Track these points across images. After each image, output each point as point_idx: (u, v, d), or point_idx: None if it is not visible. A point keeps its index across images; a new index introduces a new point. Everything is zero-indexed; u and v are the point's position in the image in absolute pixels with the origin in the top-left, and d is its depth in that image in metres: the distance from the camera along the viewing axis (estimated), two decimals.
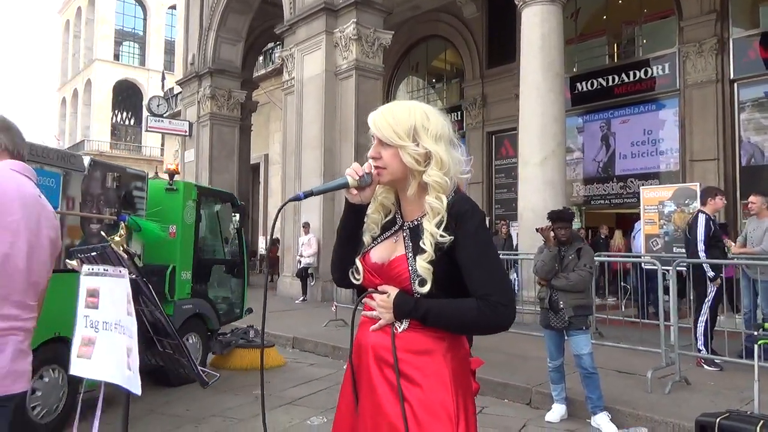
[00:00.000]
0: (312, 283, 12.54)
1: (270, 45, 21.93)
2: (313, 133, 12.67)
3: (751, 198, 6.77)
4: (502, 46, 16.04)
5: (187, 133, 18.17)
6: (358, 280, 1.71)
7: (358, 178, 1.62)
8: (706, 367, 5.97)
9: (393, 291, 1.61)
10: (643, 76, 13.58)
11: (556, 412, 4.83)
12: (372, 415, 1.63)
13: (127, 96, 48.36)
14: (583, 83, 14.49)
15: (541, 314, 4.75)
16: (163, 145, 37.05)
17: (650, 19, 13.80)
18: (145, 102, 46.15)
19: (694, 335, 6.06)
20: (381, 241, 1.71)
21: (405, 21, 17.40)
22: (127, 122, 50.00)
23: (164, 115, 18.67)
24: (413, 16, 17.62)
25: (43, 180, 4.10)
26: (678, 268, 5.77)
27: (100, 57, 45.78)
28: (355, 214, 1.71)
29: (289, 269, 13.49)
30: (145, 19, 49.19)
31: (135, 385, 1.61)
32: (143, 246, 5.38)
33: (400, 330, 1.61)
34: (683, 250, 7.03)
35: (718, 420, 2.85)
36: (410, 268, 1.59)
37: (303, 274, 12.48)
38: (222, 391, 5.78)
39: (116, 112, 48.52)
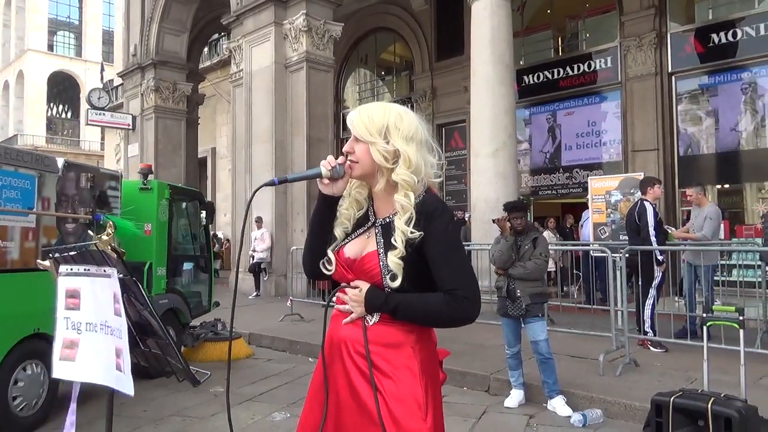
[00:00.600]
0: (265, 278, 12.43)
1: (216, 36, 21.44)
2: (264, 126, 12.51)
3: (688, 191, 7.14)
4: (451, 39, 16.20)
5: (131, 127, 17.63)
6: (329, 271, 1.77)
7: (330, 168, 1.68)
8: (652, 348, 6.24)
9: (365, 286, 1.67)
10: (586, 69, 13.98)
11: (515, 397, 4.96)
12: (345, 405, 1.68)
13: (63, 88, 46.41)
14: (530, 76, 14.81)
15: (499, 303, 4.87)
16: (103, 139, 35.80)
17: (593, 14, 14.21)
18: (83, 94, 44.49)
19: (641, 318, 6.32)
20: (354, 237, 1.77)
21: (353, 13, 17.33)
22: (63, 115, 48.00)
23: (105, 108, 18.03)
24: (361, 8, 17.56)
25: (18, 182, 4.35)
26: (625, 256, 6.01)
27: (33, 47, 43.73)
28: (327, 206, 1.76)
29: (241, 264, 13.33)
30: (80, 8, 47.23)
31: (127, 386, 1.59)
32: (119, 244, 5.38)
33: (371, 323, 1.67)
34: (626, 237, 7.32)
35: (672, 399, 3.00)
36: (381, 263, 1.66)
37: (256, 269, 12.36)
38: (179, 390, 5.67)
39: (51, 105, 46.49)
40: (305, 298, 10.21)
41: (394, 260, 1.62)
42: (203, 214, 7.25)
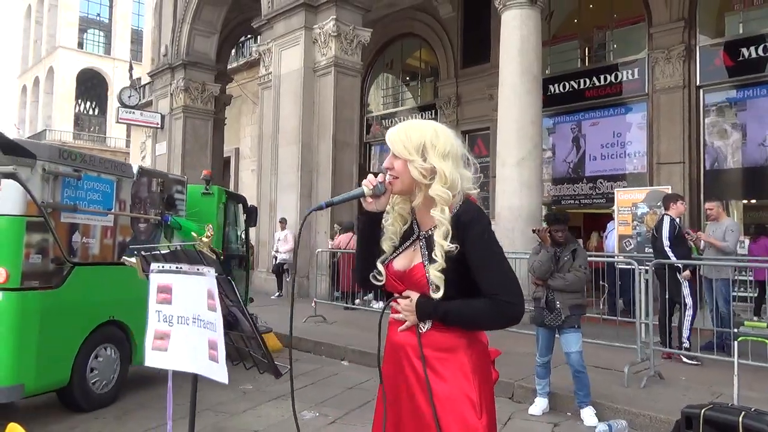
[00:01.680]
0: (288, 279, 12.57)
1: (243, 38, 21.73)
2: (291, 128, 12.67)
3: (707, 205, 7.15)
4: (477, 47, 16.27)
5: (159, 126, 17.92)
6: (380, 281, 1.88)
7: (372, 187, 1.80)
8: (686, 361, 6.24)
9: (414, 296, 1.80)
10: (613, 80, 13.96)
11: (539, 405, 5.02)
12: (405, 406, 1.80)
13: (91, 85, 47.19)
14: (555, 85, 14.80)
15: (536, 312, 4.91)
16: (128, 136, 36.34)
17: (621, 25, 14.18)
18: (110, 92, 45.21)
19: (665, 331, 6.33)
20: (402, 250, 1.89)
21: (380, 18, 17.47)
22: (90, 112, 48.81)
23: (135, 107, 18.36)
24: (389, 14, 17.71)
25: (100, 186, 5.00)
26: (652, 268, 6.05)
27: (63, 44, 44.56)
28: (372, 222, 1.88)
29: (263, 265, 13.48)
30: (110, 7, 48.04)
31: (221, 375, 1.71)
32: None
33: (424, 330, 1.79)
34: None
35: (703, 411, 3.05)
36: (427, 275, 1.77)
37: (279, 270, 12.50)
38: (208, 386, 5.81)
39: (79, 101, 47.30)
40: (327, 300, 10.33)
41: (435, 273, 1.74)
42: (243, 216, 7.82)
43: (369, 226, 1.87)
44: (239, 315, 1.68)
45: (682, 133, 12.56)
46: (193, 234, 1.68)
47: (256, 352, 1.76)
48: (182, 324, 1.81)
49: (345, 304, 10.07)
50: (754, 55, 11.95)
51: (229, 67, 21.68)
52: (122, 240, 5.25)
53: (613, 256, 8.51)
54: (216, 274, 1.66)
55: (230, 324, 1.75)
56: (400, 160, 1.79)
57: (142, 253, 1.82)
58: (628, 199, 8.73)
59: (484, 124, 15.55)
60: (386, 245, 1.87)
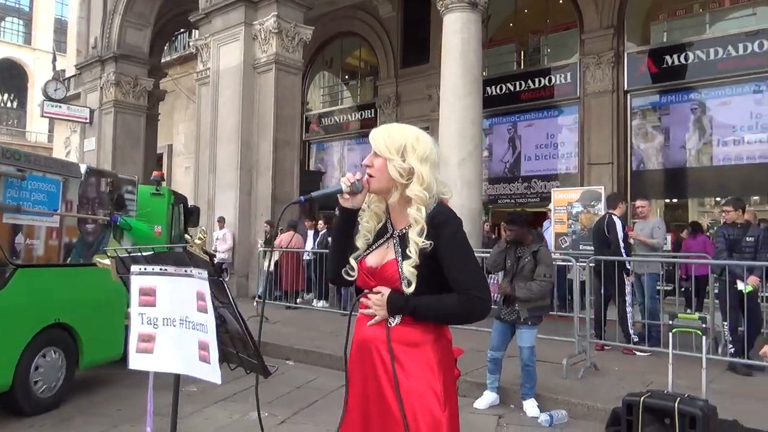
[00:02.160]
0: (227, 279, 12.37)
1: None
2: (230, 126, 12.46)
3: (639, 203, 7.56)
4: (417, 47, 16.50)
5: (88, 121, 17.20)
6: (352, 277, 1.94)
7: (350, 184, 1.85)
8: (638, 354, 6.58)
9: (386, 291, 1.86)
10: (547, 83, 14.49)
11: (486, 399, 5.17)
12: (372, 398, 1.86)
13: (9, 76, 44.59)
14: (492, 87, 15.20)
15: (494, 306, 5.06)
16: (51, 131, 34.62)
17: (554, 30, 14.75)
18: (30, 83, 42.86)
19: (602, 325, 6.67)
20: (376, 247, 1.95)
21: (321, 16, 17.41)
22: (8, 105, 46.14)
23: (61, 101, 17.54)
24: (329, 12, 17.68)
25: (45, 186, 4.87)
26: (590, 265, 6.35)
27: None
28: (347, 219, 1.93)
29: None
30: None
31: (213, 376, 1.71)
32: (134, 244, 5.96)
33: (393, 324, 1.86)
34: (590, 248, 7.69)
35: (642, 398, 3.26)
36: (399, 271, 1.84)
37: (218, 270, 12.31)
38: (146, 389, 5.69)
39: None
40: (269, 299, 10.24)
41: (408, 269, 1.81)
42: (182, 216, 7.81)
43: (345, 223, 1.93)
44: (228, 316, 1.69)
45: (611, 135, 13.20)
46: (187, 237, 1.66)
47: (242, 352, 1.77)
48: (168, 326, 1.80)
49: (287, 304, 10.02)
50: (676, 62, 12.70)
51: (162, 61, 21.06)
52: (69, 241, 5.17)
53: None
54: (212, 277, 1.66)
55: (216, 325, 1.76)
56: (380, 159, 1.86)
57: (118, 254, 1.79)
58: (563, 199, 9.11)
59: (424, 124, 15.75)
60: (360, 242, 1.93)
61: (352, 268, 1.91)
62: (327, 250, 10.41)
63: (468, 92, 9.57)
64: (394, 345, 1.82)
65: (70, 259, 5.19)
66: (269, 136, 12.08)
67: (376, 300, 1.86)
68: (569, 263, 6.55)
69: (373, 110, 17.91)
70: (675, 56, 12.72)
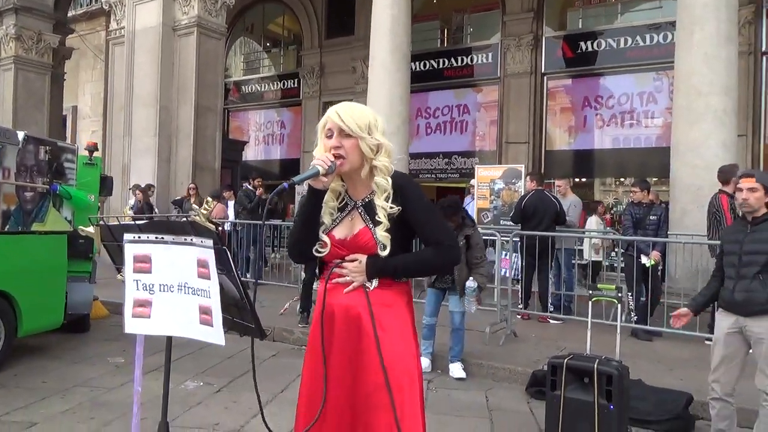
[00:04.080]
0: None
1: None
2: (147, 90, 11.95)
3: (559, 182, 8.09)
4: (342, 18, 16.42)
5: None
6: (321, 253, 2.04)
7: (327, 167, 1.93)
8: (552, 322, 7.05)
9: (362, 257, 2.00)
10: (469, 62, 14.90)
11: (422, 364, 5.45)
12: (348, 360, 1.98)
13: None
14: (416, 63, 15.34)
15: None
16: None
17: (477, 10, 15.12)
18: None
19: (528, 296, 7.16)
20: (340, 221, 2.06)
21: None
22: None
23: None
24: None
25: None
26: (513, 239, 6.77)
27: None
28: (316, 199, 2.02)
29: None
30: None
31: (215, 338, 1.76)
32: (73, 212, 5.94)
33: (371, 288, 2.00)
34: (509, 224, 8.13)
35: (566, 360, 3.59)
36: (375, 237, 1.98)
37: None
38: (75, 361, 5.57)
39: None
40: None
41: (381, 233, 1.96)
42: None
43: (314, 204, 2.00)
44: (226, 282, 1.76)
45: (528, 115, 13.81)
46: (195, 206, 1.66)
47: (236, 317, 1.85)
48: (165, 292, 1.84)
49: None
50: (590, 48, 13.42)
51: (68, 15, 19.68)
52: (6, 209, 5.13)
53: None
54: (213, 245, 1.71)
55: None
56: (350, 140, 1.95)
57: (103, 222, 1.80)
58: (486, 176, 9.52)
59: (348, 97, 15.76)
60: (327, 218, 2.04)
61: (323, 244, 2.02)
62: (244, 221, 9.99)
63: (397, 68, 9.72)
64: (373, 308, 1.97)
65: (8, 227, 5.12)
66: (190, 102, 11.72)
67: (354, 267, 1.98)
68: (493, 237, 6.91)
69: (296, 80, 17.70)
70: (588, 43, 13.44)
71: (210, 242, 1.75)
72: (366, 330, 1.96)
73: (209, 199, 1.97)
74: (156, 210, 11.31)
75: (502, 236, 6.80)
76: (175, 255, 1.84)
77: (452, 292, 5.27)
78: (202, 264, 1.78)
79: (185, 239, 1.80)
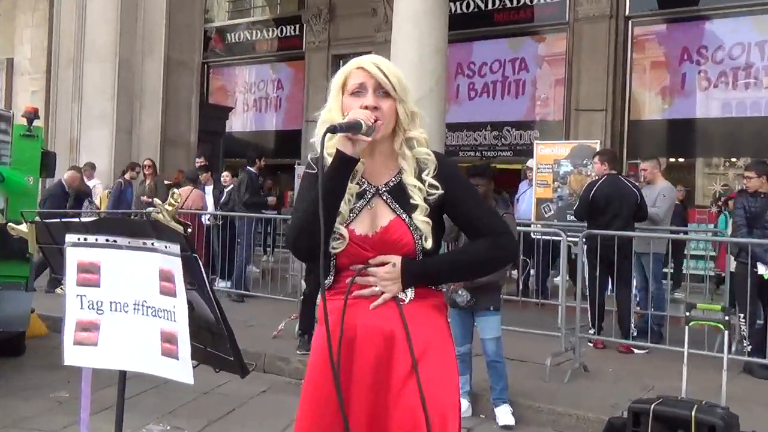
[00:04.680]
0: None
1: None
2: (103, 40, 12.11)
3: (643, 165, 7.95)
4: None
5: None
6: (336, 249, 1.99)
7: (371, 123, 1.89)
8: (636, 352, 6.98)
9: (396, 259, 1.98)
10: (528, 1, 14.73)
11: None
12: (375, 404, 1.96)
13: None
14: (457, 3, 15.31)
15: (446, 291, 5.24)
16: None
17: None
18: None
19: (596, 315, 7.08)
20: (357, 212, 2.02)
21: None
22: None
23: None
24: None
25: None
26: (582, 240, 6.69)
27: None
28: (347, 171, 1.93)
29: None
30: None
31: (182, 375, 1.75)
32: (6, 199, 5.97)
33: (407, 301, 2.00)
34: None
35: (652, 406, 3.55)
36: (411, 227, 1.98)
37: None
38: (5, 395, 5.63)
39: None
40: None
41: (421, 219, 1.98)
42: None
43: (342, 178, 1.92)
44: (198, 300, 1.75)
45: (605, 74, 13.60)
46: (156, 200, 1.66)
47: (210, 345, 1.84)
48: (118, 312, 1.83)
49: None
50: None
51: None
52: None
53: (529, 224, 9.20)
54: (180, 252, 1.70)
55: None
56: (389, 101, 1.98)
57: (41, 218, 1.79)
58: (549, 155, 9.40)
59: (366, 48, 15.67)
60: (344, 207, 1.99)
61: (344, 238, 1.97)
62: (232, 213, 10.01)
63: (429, 10, 9.62)
64: (410, 327, 1.96)
65: None
66: (159, 55, 11.89)
67: (385, 273, 1.97)
68: (556, 238, 6.86)
69: (297, 26, 17.72)
70: None
71: (176, 248, 1.74)
72: (401, 359, 1.95)
73: (175, 190, 1.96)
74: (97, 200, 11.35)
75: (569, 236, 6.71)
76: (132, 264, 1.83)
77: (479, 312, 5.22)
78: (166, 276, 1.77)
79: (144, 243, 1.79)
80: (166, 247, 1.77)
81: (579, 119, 13.90)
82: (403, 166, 2.03)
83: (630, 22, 13.81)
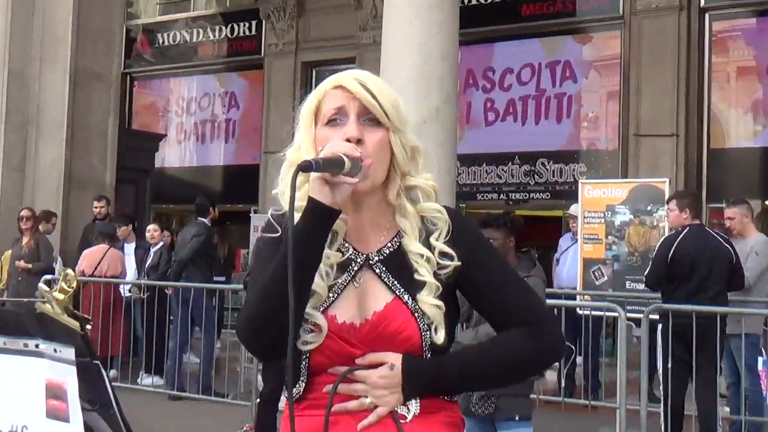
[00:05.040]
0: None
1: None
2: None
3: (729, 212, 7.95)
4: None
5: None
6: (310, 343, 1.92)
7: (356, 156, 1.80)
8: None
9: (394, 357, 1.88)
10: None
11: None
12: None
13: None
14: None
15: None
16: None
17: None
18: None
19: (666, 420, 7.00)
20: (339, 291, 1.95)
21: None
22: None
23: None
24: None
25: None
26: (653, 316, 6.64)
27: None
28: (324, 230, 1.85)
29: None
30: None
31: None
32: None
33: (409, 418, 1.90)
34: (644, 288, 8.01)
35: None
36: (416, 314, 1.89)
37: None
38: None
39: None
40: None
41: (430, 302, 1.89)
42: None
43: (317, 235, 1.84)
44: (101, 426, 1.70)
45: (674, 84, 13.68)
46: (41, 286, 1.60)
47: None
48: None
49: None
50: None
51: None
52: None
53: (574, 296, 9.14)
54: (76, 356, 1.66)
55: None
56: (379, 131, 1.91)
57: None
58: (599, 198, 9.39)
59: (347, 52, 15.87)
60: (320, 284, 1.90)
61: (319, 329, 1.88)
62: (163, 283, 10.13)
63: (434, 3, 9.70)
64: None
65: None
66: (63, 64, 11.95)
67: (380, 378, 1.88)
68: (611, 313, 6.82)
69: (254, 23, 17.87)
70: None
71: (70, 352, 1.69)
72: None
73: (69, 271, 1.89)
74: None
75: (629, 311, 6.66)
76: (7, 374, 1.78)
77: (502, 422, 5.17)
78: (54, 392, 1.72)
79: (26, 345, 1.74)
80: (56, 350, 1.72)
81: (640, 148, 13.92)
82: (404, 227, 1.96)
83: (707, 15, 13.93)
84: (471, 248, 1.97)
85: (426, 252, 1.92)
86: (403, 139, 1.93)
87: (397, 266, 1.94)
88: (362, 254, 1.96)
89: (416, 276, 1.91)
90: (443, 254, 1.93)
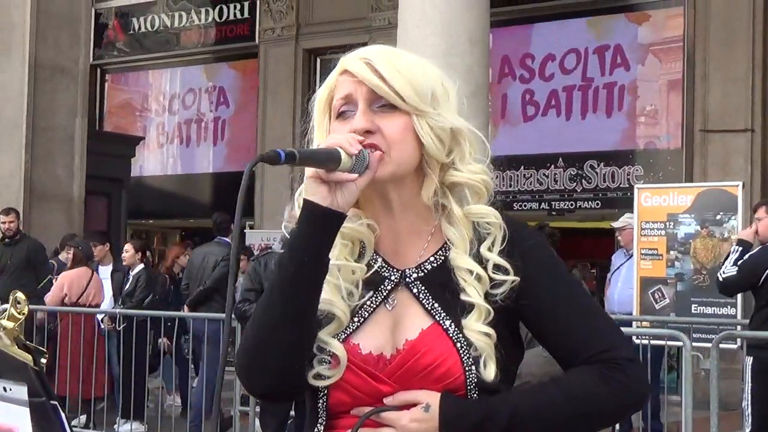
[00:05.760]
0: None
1: None
2: None
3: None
4: None
5: None
6: (326, 378, 1.90)
7: (357, 151, 1.78)
8: None
9: (431, 397, 1.81)
10: None
11: None
12: None
13: None
14: None
15: None
16: None
17: None
18: None
19: None
20: (367, 315, 1.92)
21: None
22: None
23: None
24: None
25: None
26: (724, 345, 6.60)
27: None
28: (326, 238, 1.80)
29: None
30: None
31: None
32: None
33: None
34: (712, 308, 7.99)
35: None
36: (458, 344, 1.81)
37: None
38: None
39: None
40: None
41: (478, 330, 1.80)
42: None
43: (319, 249, 1.79)
44: None
45: (749, 72, 13.67)
46: None
47: None
48: None
49: (70, 425, 9.97)
50: None
51: None
52: None
53: (629, 323, 9.12)
54: (29, 397, 1.67)
55: None
56: (394, 117, 1.84)
57: None
58: (660, 207, 9.38)
59: (358, 37, 15.87)
60: (340, 305, 1.93)
61: (332, 360, 1.87)
62: (153, 312, 10.26)
63: None
64: None
65: None
66: (19, 55, 12.02)
67: (412, 422, 1.80)
68: (675, 342, 6.82)
69: (246, 5, 17.96)
70: None
71: (22, 390, 1.70)
72: None
73: (19, 295, 1.88)
74: None
75: (696, 339, 6.65)
76: None
77: None
78: None
79: None
80: (5, 389, 1.73)
81: (708, 146, 13.93)
82: (450, 236, 1.87)
83: None
84: (532, 263, 1.86)
85: (477, 268, 1.82)
86: (432, 122, 1.81)
87: (439, 285, 1.86)
88: (397, 270, 1.91)
89: (462, 296, 1.82)
90: (498, 268, 1.82)
